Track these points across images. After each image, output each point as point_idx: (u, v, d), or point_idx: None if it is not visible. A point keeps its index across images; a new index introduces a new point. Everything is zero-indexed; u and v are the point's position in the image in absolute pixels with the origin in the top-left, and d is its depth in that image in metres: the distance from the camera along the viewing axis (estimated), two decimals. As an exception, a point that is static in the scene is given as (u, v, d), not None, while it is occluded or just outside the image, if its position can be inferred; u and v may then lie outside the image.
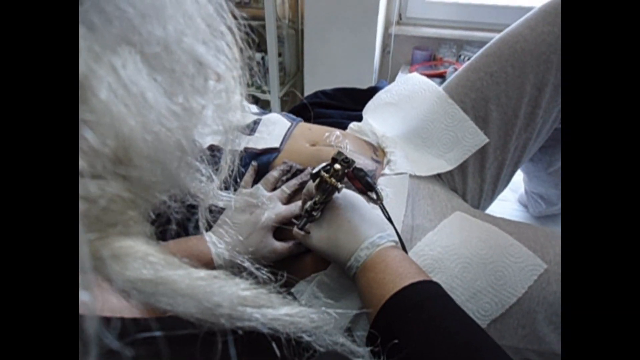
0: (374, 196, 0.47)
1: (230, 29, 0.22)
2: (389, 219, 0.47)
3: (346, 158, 0.44)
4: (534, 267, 0.49)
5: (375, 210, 0.48)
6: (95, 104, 0.16)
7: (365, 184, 0.46)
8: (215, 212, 0.51)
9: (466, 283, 0.48)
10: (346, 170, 0.44)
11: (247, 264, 0.26)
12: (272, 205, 0.53)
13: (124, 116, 0.16)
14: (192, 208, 0.25)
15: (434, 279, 0.48)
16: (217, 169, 0.24)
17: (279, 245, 0.50)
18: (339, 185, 0.43)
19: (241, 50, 0.23)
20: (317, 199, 0.44)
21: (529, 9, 0.63)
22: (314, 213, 0.45)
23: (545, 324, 0.48)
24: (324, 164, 0.44)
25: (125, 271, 0.17)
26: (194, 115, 0.20)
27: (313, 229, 0.46)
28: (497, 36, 0.64)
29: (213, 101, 0.21)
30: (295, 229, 0.48)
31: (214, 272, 0.20)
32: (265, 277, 0.25)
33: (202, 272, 0.19)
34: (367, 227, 0.44)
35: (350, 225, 0.44)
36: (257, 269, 0.26)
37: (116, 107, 0.16)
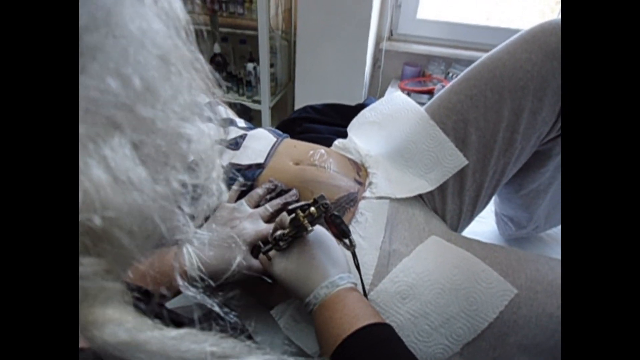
0: (348, 243, 0.48)
1: (214, 94, 0.23)
2: (357, 267, 0.48)
3: (326, 204, 0.46)
4: (504, 292, 0.50)
5: (346, 252, 0.49)
6: (83, 191, 0.17)
7: (340, 231, 0.48)
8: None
9: (439, 309, 0.49)
10: (323, 215, 0.46)
11: (216, 309, 0.27)
12: (253, 222, 0.53)
13: (110, 199, 0.17)
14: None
15: (408, 305, 0.50)
16: (193, 217, 0.25)
17: (256, 262, 0.51)
18: (309, 228, 0.45)
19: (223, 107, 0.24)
20: (286, 231, 0.46)
21: (516, 31, 0.65)
22: (281, 243, 0.47)
23: (516, 346, 0.49)
24: (303, 203, 0.46)
25: (103, 336, 0.18)
26: (176, 193, 0.21)
27: (279, 259, 0.47)
28: (480, 59, 0.66)
29: (192, 180, 0.23)
30: (260, 255, 0.49)
31: (184, 330, 0.21)
32: (232, 321, 0.27)
33: (174, 332, 0.21)
34: (330, 266, 0.45)
35: (314, 262, 0.45)
36: (226, 313, 0.27)
37: (104, 192, 0.17)
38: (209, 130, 0.23)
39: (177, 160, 0.21)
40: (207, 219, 0.26)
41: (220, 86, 0.24)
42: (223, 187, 0.25)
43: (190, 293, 0.29)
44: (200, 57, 0.23)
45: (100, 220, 0.17)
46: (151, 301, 0.34)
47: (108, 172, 0.17)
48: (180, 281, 0.38)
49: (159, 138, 0.20)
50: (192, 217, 0.24)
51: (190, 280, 0.45)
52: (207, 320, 0.26)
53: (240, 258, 0.49)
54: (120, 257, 0.19)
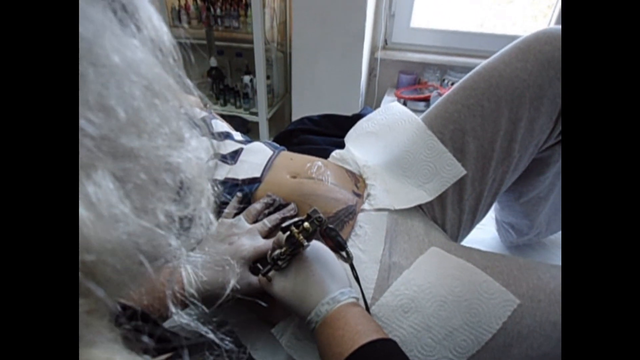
0: (345, 255, 0.48)
1: (204, 120, 0.23)
2: (357, 279, 0.48)
3: (319, 217, 0.46)
4: (507, 302, 0.49)
5: (345, 265, 0.49)
6: None
7: (336, 244, 0.48)
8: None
9: (442, 321, 0.49)
10: (318, 229, 0.46)
11: (210, 336, 0.27)
12: (251, 237, 0.53)
13: (93, 238, 0.17)
14: None
15: (411, 319, 0.49)
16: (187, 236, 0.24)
17: (255, 279, 0.50)
18: (305, 243, 0.45)
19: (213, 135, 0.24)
20: (284, 250, 0.46)
21: (510, 37, 0.65)
22: (280, 262, 0.46)
23: (521, 357, 0.49)
24: (296, 219, 0.46)
25: None
26: (162, 225, 0.21)
27: (278, 278, 0.47)
28: (475, 68, 0.66)
29: (180, 211, 0.22)
30: (260, 275, 0.48)
31: None
32: (228, 347, 0.26)
33: None
34: (330, 282, 0.45)
35: (314, 278, 0.45)
36: (221, 339, 0.27)
37: (87, 230, 0.17)
38: (199, 155, 0.23)
39: (164, 191, 0.21)
40: (198, 242, 0.24)
41: (206, 106, 0.23)
42: (212, 217, 0.24)
43: (184, 321, 0.29)
44: (189, 82, 0.22)
45: (83, 260, 0.17)
46: (147, 326, 0.33)
47: (90, 209, 0.17)
48: (173, 308, 0.37)
49: (145, 169, 0.19)
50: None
51: (183, 307, 0.44)
52: (201, 348, 0.25)
53: (234, 282, 0.48)
54: (105, 295, 0.19)
